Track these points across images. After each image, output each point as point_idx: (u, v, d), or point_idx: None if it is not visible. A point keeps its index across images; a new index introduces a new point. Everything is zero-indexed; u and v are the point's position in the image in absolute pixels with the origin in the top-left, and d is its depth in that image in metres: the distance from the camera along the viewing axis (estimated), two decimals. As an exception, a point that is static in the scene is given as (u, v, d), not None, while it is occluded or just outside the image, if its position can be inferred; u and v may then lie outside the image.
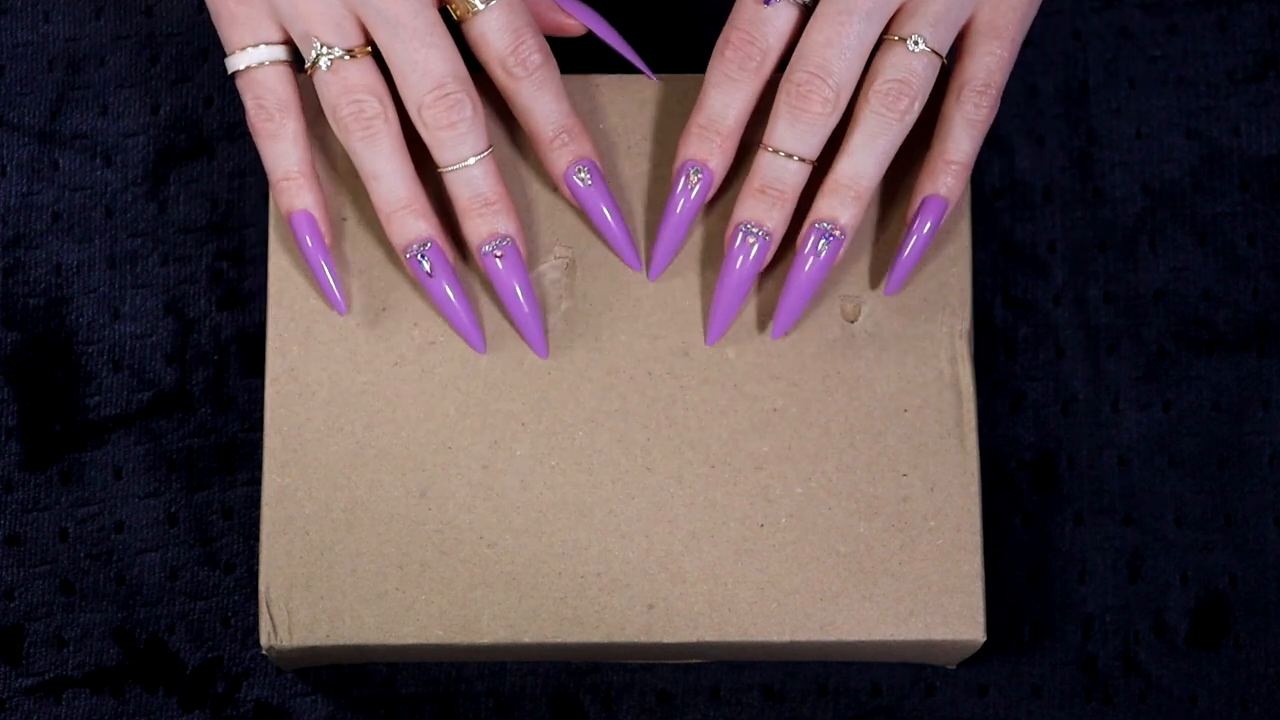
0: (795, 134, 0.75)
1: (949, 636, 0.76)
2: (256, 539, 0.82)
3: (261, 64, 0.76)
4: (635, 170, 0.79)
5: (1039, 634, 0.82)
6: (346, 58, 0.75)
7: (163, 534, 0.82)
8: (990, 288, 0.84)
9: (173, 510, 0.83)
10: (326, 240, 0.77)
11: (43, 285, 0.84)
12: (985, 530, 0.82)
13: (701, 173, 0.76)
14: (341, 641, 0.76)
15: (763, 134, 0.76)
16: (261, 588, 0.76)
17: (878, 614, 0.76)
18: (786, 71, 0.75)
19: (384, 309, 0.78)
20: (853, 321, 0.78)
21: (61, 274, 0.84)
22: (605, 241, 0.78)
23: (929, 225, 0.76)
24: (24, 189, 0.84)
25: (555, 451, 0.77)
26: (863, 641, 0.76)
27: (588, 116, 0.79)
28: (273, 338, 0.78)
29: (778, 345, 0.78)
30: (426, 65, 0.74)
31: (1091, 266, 0.84)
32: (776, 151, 0.75)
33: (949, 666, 0.82)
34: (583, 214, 0.78)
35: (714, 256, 0.78)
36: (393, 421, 0.77)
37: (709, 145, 0.76)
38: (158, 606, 0.82)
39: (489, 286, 0.78)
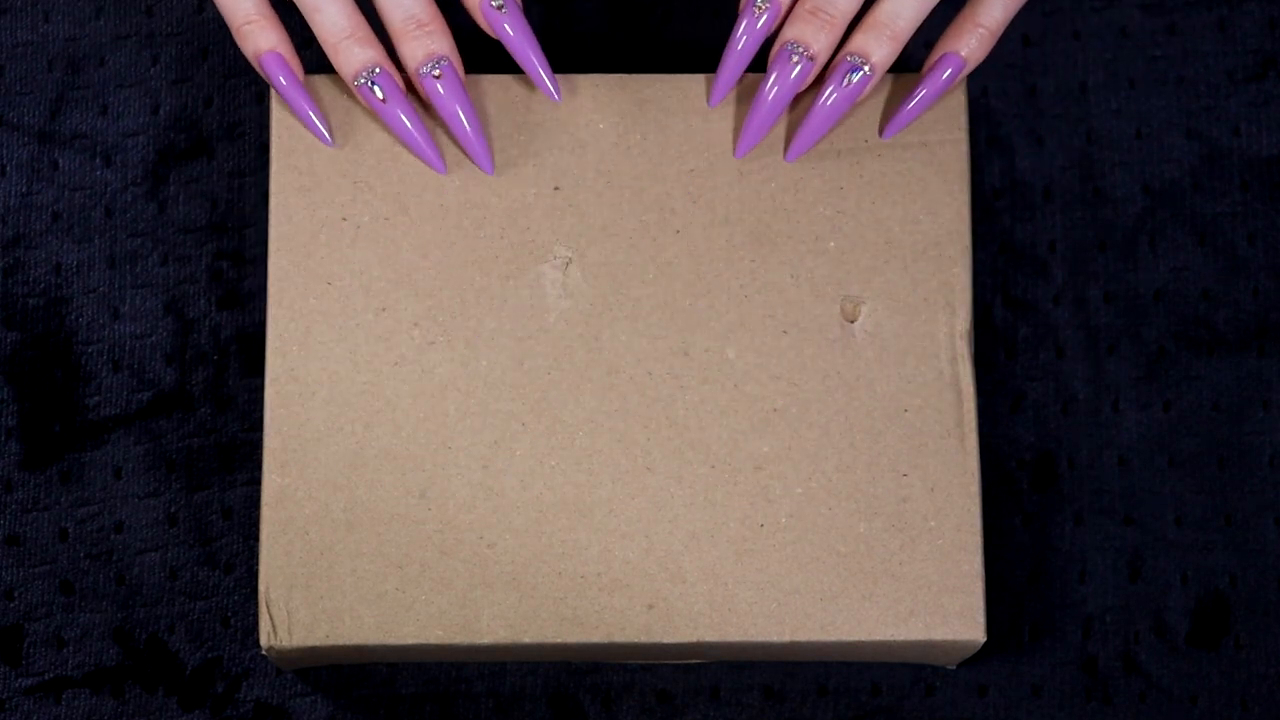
0: None
1: (949, 636, 0.76)
2: (256, 539, 0.82)
3: None
4: (635, 170, 0.79)
5: (1039, 634, 0.82)
6: None
7: (163, 534, 0.82)
8: (990, 288, 0.84)
9: (173, 510, 0.82)
10: (299, 76, 0.78)
11: (42, 285, 0.84)
12: (985, 530, 0.82)
13: (770, 2, 0.77)
14: (341, 641, 0.76)
15: None
16: (261, 588, 0.76)
17: (878, 614, 0.76)
18: None
19: (384, 309, 0.78)
20: (853, 321, 0.78)
21: (61, 274, 0.84)
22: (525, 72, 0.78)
23: (944, 78, 0.77)
24: (24, 189, 0.84)
25: (555, 451, 0.77)
26: (863, 641, 0.76)
27: (588, 116, 0.79)
28: (273, 338, 0.78)
29: (778, 345, 0.78)
30: None
31: (1091, 266, 0.84)
32: None
33: (949, 666, 0.82)
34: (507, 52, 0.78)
35: (714, 256, 0.78)
36: (393, 421, 0.77)
37: None
38: (158, 606, 0.82)
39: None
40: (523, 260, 0.78)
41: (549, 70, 0.78)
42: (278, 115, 0.79)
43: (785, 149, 0.78)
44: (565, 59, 0.84)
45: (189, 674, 0.82)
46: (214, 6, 0.78)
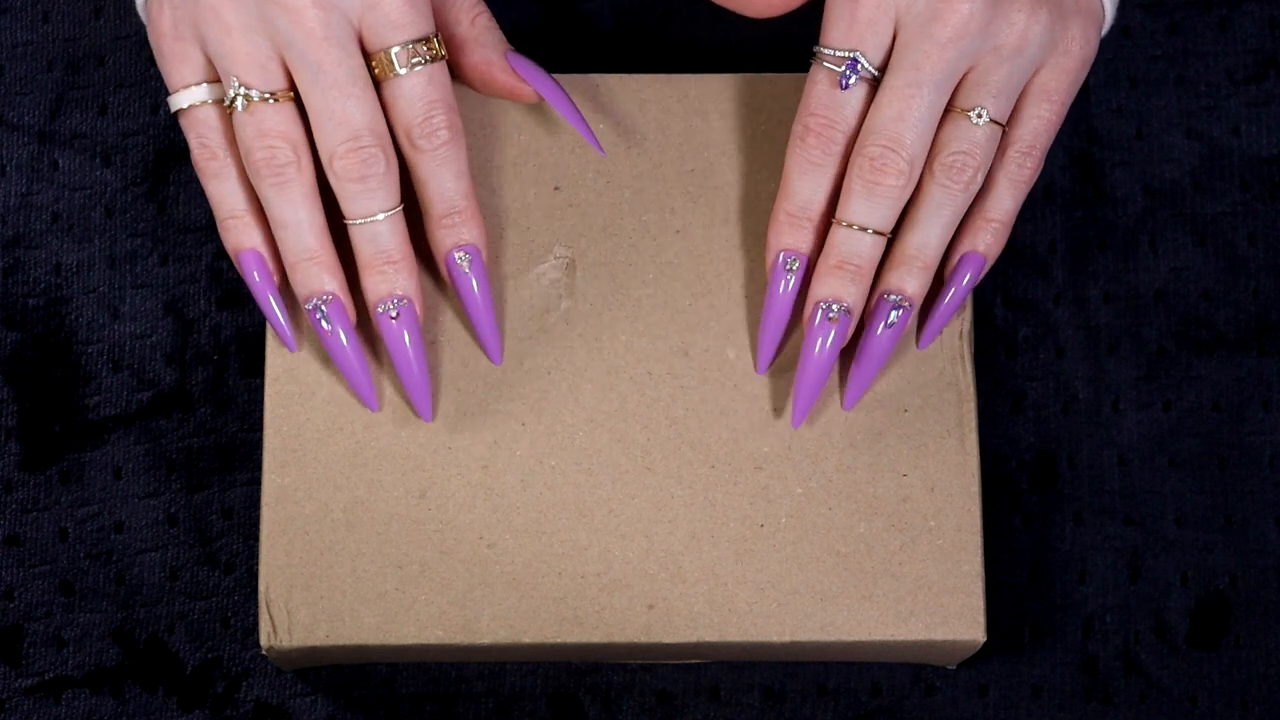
0: (871, 208, 0.75)
1: (949, 636, 0.76)
2: (256, 539, 0.82)
3: (204, 102, 0.75)
4: (635, 170, 0.79)
5: (1039, 634, 0.82)
6: (268, 100, 0.74)
7: (163, 534, 0.82)
8: (990, 288, 0.84)
9: (172, 510, 0.83)
10: (275, 279, 0.77)
11: (42, 285, 0.84)
12: (985, 530, 0.82)
13: (798, 261, 0.76)
14: (341, 641, 0.76)
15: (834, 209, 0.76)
16: (261, 588, 0.76)
17: (878, 614, 0.76)
18: (858, 145, 0.75)
19: (384, 309, 0.78)
20: (853, 321, 0.78)
21: (61, 274, 0.84)
22: (471, 328, 0.77)
23: (966, 281, 0.77)
24: (24, 189, 0.84)
25: (555, 451, 0.77)
26: (863, 641, 0.76)
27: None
28: (273, 337, 0.78)
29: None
30: (344, 115, 0.73)
31: (1091, 266, 0.84)
32: (851, 226, 0.75)
33: (949, 666, 0.82)
34: (456, 297, 0.77)
35: (714, 256, 0.78)
36: (393, 421, 0.77)
37: (802, 233, 0.76)
38: (157, 606, 0.82)
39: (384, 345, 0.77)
40: (523, 260, 0.78)
41: (497, 335, 0.77)
42: None
43: (841, 398, 0.77)
44: (566, 59, 0.84)
45: (189, 674, 0.82)
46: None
